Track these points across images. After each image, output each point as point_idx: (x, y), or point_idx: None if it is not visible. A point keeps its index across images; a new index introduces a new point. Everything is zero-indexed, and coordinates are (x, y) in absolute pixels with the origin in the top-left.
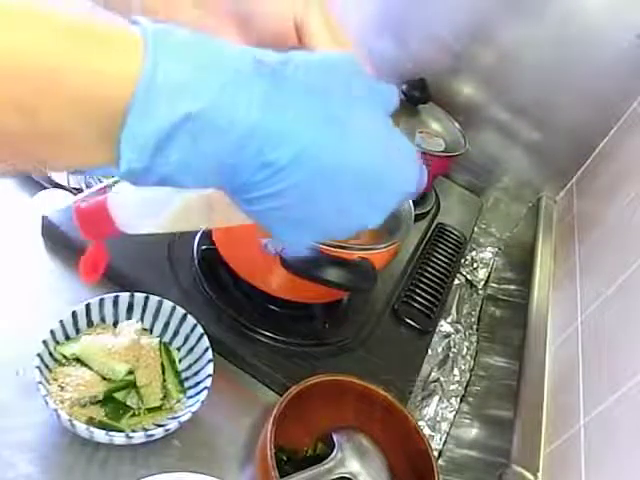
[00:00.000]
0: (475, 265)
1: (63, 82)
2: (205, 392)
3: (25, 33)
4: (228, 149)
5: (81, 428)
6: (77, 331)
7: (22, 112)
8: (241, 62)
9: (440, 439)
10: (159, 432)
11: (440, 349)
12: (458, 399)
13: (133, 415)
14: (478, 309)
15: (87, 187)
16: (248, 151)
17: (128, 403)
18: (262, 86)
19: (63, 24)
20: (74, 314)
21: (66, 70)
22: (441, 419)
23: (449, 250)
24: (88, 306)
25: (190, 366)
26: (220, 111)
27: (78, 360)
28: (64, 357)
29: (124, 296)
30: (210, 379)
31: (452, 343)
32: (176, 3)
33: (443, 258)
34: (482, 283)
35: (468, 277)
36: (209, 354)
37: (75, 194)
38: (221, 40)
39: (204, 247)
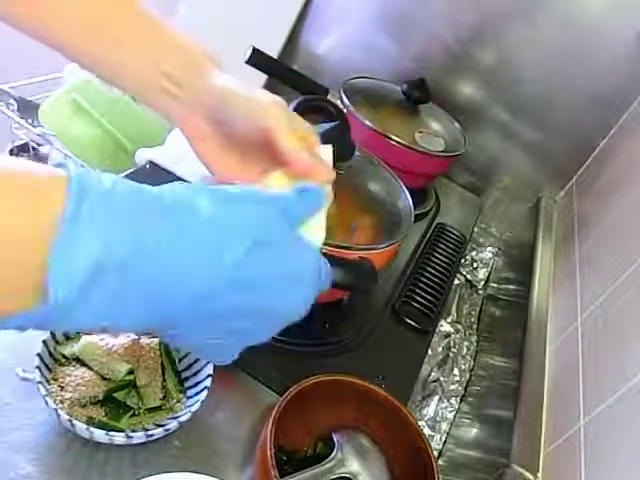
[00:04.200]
0: (475, 265)
1: None
2: (205, 392)
3: None
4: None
5: (81, 428)
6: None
7: None
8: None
9: (440, 439)
10: (159, 432)
11: (440, 349)
12: (458, 399)
13: (133, 415)
14: (478, 309)
15: None
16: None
17: (128, 403)
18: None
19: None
20: None
21: None
22: (441, 419)
23: (449, 250)
24: None
25: (190, 366)
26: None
27: (78, 360)
28: (64, 357)
29: None
30: (210, 379)
31: (452, 343)
32: None
33: (443, 258)
34: (482, 283)
35: (468, 277)
36: None
37: None
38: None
39: None
